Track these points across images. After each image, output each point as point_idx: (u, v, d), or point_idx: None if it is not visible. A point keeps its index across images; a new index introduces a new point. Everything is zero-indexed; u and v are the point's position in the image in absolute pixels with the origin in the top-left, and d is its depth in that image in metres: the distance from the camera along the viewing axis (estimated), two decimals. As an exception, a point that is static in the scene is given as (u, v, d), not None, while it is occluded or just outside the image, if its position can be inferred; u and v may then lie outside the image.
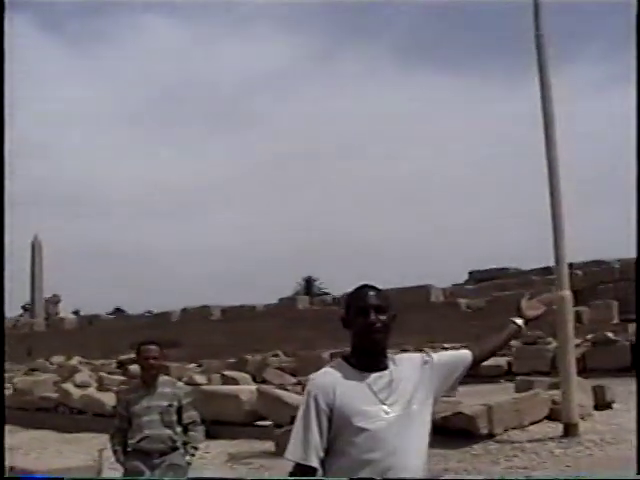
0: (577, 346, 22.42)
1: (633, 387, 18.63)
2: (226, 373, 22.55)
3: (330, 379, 3.49)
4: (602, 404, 15.56)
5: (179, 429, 7.15)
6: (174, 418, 7.12)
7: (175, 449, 7.09)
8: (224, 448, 14.25)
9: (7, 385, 27.11)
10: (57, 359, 39.75)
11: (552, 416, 13.83)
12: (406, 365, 3.59)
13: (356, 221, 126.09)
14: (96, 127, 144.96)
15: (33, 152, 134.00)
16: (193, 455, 7.26)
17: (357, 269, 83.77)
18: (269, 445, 13.52)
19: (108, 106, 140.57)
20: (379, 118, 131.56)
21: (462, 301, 37.67)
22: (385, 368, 3.53)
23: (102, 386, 23.71)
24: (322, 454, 3.40)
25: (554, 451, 11.77)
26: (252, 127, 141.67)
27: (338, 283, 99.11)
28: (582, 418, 13.46)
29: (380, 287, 3.70)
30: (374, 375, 3.50)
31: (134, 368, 26.63)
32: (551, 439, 12.60)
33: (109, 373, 27.74)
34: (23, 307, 75.54)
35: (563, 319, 12.74)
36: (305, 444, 3.39)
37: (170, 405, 7.10)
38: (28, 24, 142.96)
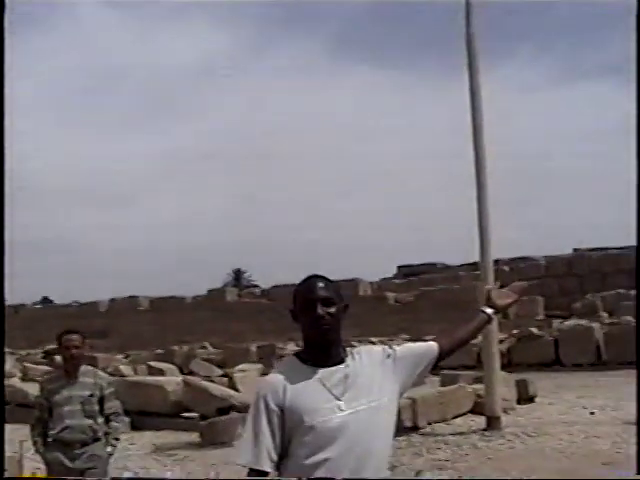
0: (502, 341, 22.79)
1: (556, 381, 19.08)
2: (152, 364, 22.41)
3: (279, 378, 3.33)
4: (525, 398, 15.83)
5: (101, 420, 7.08)
6: (96, 408, 7.05)
7: (97, 440, 7.02)
8: (149, 439, 14.16)
9: None
10: (-20, 348, 39.15)
11: (476, 410, 14.03)
12: (365, 359, 3.41)
13: (286, 213, 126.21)
14: (24, 114, 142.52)
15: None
16: (115, 446, 7.18)
17: (287, 262, 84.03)
18: (195, 436, 13.48)
19: (37, 93, 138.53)
20: (311, 113, 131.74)
21: (390, 295, 37.94)
22: (340, 362, 3.35)
23: (26, 376, 23.40)
24: (275, 457, 3.22)
25: (477, 444, 11.91)
26: (184, 118, 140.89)
27: (268, 275, 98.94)
28: (505, 412, 13.67)
29: (327, 276, 3.51)
30: (328, 370, 3.32)
31: (60, 358, 26.36)
32: (474, 432, 12.77)
33: (35, 363, 27.39)
34: (-54, 295, 74.30)
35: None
36: (256, 448, 3.22)
37: (92, 395, 7.03)
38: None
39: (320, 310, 3.31)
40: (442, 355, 3.61)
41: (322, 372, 3.30)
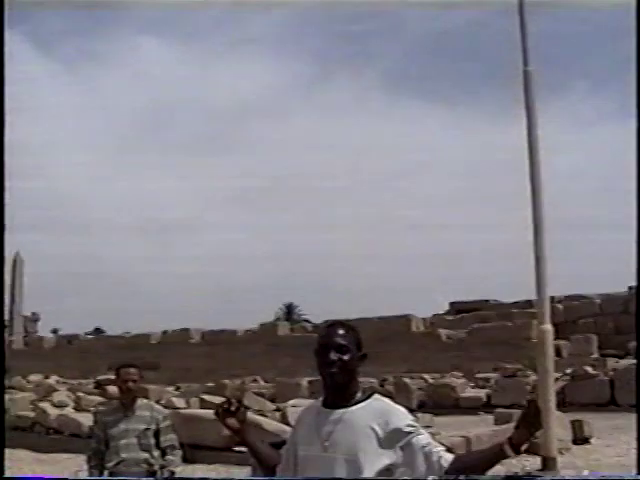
0: (556, 380, 22.46)
1: (611, 422, 18.76)
2: (205, 397, 22.40)
3: (300, 414, 3.78)
4: (581, 439, 15.59)
5: (156, 453, 7.10)
6: (152, 442, 7.07)
7: (152, 473, 7.03)
8: (202, 473, 14.15)
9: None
10: (34, 378, 39.40)
11: (530, 449, 13.78)
12: (377, 416, 3.49)
13: (339, 250, 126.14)
14: (85, 147, 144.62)
15: (18, 170, 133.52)
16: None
17: (338, 297, 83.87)
18: (247, 471, 13.42)
19: (97, 126, 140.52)
20: (367, 147, 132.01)
21: (442, 332, 37.66)
22: (345, 406, 3.57)
23: (80, 406, 23.52)
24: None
25: (532, 485, 11.72)
26: (240, 151, 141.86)
27: (319, 311, 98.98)
28: (561, 452, 13.44)
29: (353, 326, 3.75)
30: (332, 411, 3.58)
31: (112, 389, 26.45)
32: (529, 473, 12.56)
33: (87, 393, 27.51)
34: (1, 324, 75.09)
35: (543, 352, 12.69)
36: (282, 473, 3.66)
37: (148, 428, 7.05)
38: (21, 43, 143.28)
39: (333, 355, 3.57)
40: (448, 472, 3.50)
41: (327, 413, 3.59)
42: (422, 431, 3.53)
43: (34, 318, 79.12)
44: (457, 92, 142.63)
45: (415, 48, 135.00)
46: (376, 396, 3.65)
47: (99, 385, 30.10)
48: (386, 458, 3.44)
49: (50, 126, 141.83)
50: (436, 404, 24.51)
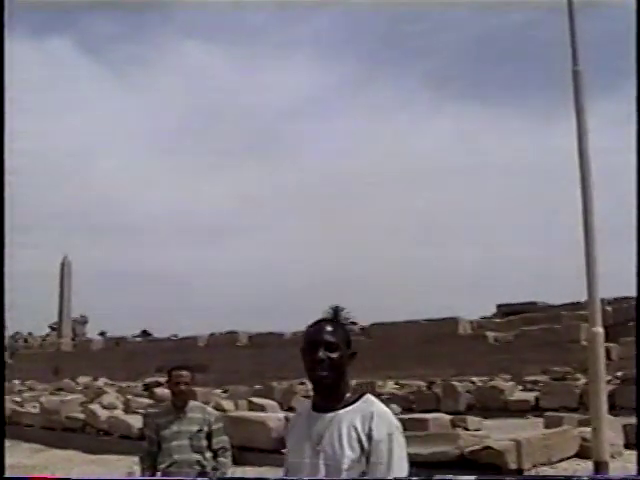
0: (607, 383, 22.25)
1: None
2: (253, 400, 22.46)
3: (292, 420, 3.73)
4: (633, 443, 15.38)
5: (208, 454, 7.13)
6: (204, 443, 7.10)
7: (204, 474, 7.06)
8: (251, 474, 14.17)
9: (34, 404, 27.23)
10: (83, 380, 39.85)
11: (582, 454, 13.68)
12: (362, 421, 3.40)
13: (385, 251, 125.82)
14: (131, 151, 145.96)
15: (67, 175, 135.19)
16: (222, 481, 7.22)
17: (385, 300, 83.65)
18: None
19: (144, 130, 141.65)
20: (411, 149, 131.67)
21: (490, 334, 37.44)
22: (334, 409, 3.45)
23: (129, 408, 23.69)
24: None
25: (583, 489, 11.61)
26: (285, 154, 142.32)
27: (366, 313, 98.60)
28: (612, 457, 13.30)
29: (342, 323, 3.71)
30: (322, 415, 3.47)
31: (160, 391, 26.63)
32: (580, 477, 12.44)
33: (135, 395, 27.72)
34: (51, 327, 75.89)
35: (594, 355, 12.58)
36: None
37: (200, 430, 7.09)
38: (71, 47, 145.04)
39: (321, 354, 3.41)
40: None
41: (315, 416, 3.49)
42: (397, 442, 3.41)
43: (82, 320, 79.96)
44: (504, 93, 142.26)
45: (461, 49, 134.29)
46: (365, 398, 3.52)
47: (147, 387, 30.32)
48: (365, 465, 3.36)
49: (97, 130, 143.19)
50: (484, 407, 24.34)
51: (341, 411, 3.42)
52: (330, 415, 3.43)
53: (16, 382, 42.87)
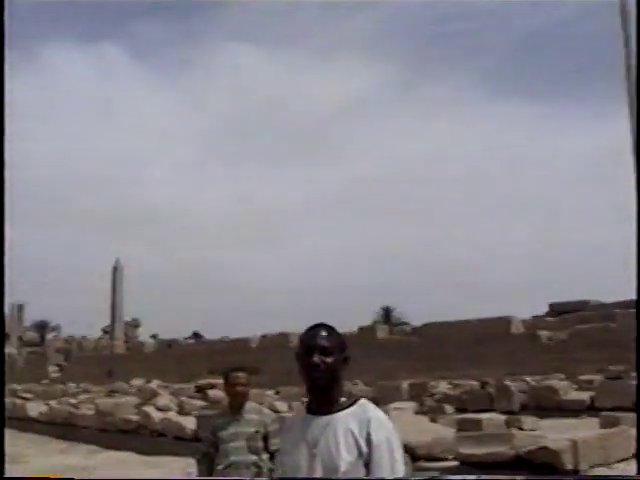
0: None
1: None
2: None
3: (287, 423, 3.86)
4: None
5: (265, 456, 7.14)
6: (260, 445, 7.12)
7: (261, 476, 7.08)
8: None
9: (89, 406, 27.49)
10: (136, 382, 40.13)
11: (640, 454, 13.50)
12: (359, 425, 3.49)
13: (436, 251, 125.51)
14: (181, 153, 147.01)
15: (119, 177, 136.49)
16: (278, 482, 7.22)
17: (436, 299, 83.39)
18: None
19: (193, 132, 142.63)
20: (465, 147, 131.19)
21: (543, 333, 37.10)
22: (329, 413, 3.54)
23: (183, 410, 23.84)
24: None
25: (644, 491, 11.47)
26: (334, 154, 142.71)
27: (417, 313, 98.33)
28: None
29: (334, 327, 3.72)
30: (318, 418, 3.56)
31: (214, 393, 26.76)
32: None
33: (188, 397, 27.87)
34: (103, 330, 76.62)
35: (651, 354, 12.45)
36: None
37: (257, 432, 7.11)
38: (120, 53, 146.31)
39: (316, 358, 3.53)
40: None
41: (310, 419, 3.58)
42: (396, 446, 3.49)
43: (134, 324, 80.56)
44: (556, 89, 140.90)
45: (512, 45, 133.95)
46: (361, 402, 3.61)
47: (200, 389, 30.44)
48: (362, 468, 3.44)
49: (147, 133, 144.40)
50: (538, 406, 24.13)
51: (336, 415, 3.53)
52: (326, 418, 3.54)
53: (71, 385, 43.37)
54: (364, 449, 3.42)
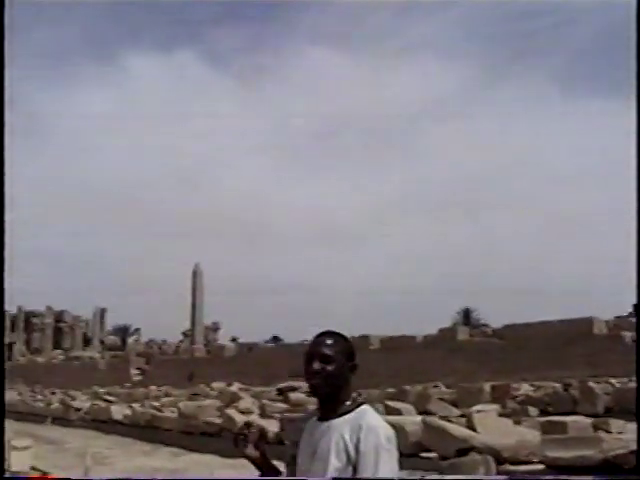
0: None
1: None
2: (389, 403, 22.46)
3: (305, 426, 3.84)
4: None
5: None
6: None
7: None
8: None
9: (172, 409, 27.80)
10: (217, 385, 40.44)
11: None
12: (352, 431, 3.49)
13: (516, 252, 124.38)
14: (259, 158, 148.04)
15: (197, 182, 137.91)
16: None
17: (517, 301, 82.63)
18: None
19: (271, 138, 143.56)
20: (544, 148, 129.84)
21: (627, 334, 36.52)
22: (330, 419, 3.60)
23: (265, 413, 23.97)
24: None
25: None
26: (414, 155, 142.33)
27: (497, 315, 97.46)
28: None
29: (344, 335, 3.77)
30: (321, 423, 3.65)
31: (295, 396, 26.87)
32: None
33: (269, 400, 28.02)
34: (184, 333, 77.47)
35: None
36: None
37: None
38: (196, 60, 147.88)
39: (316, 365, 3.59)
40: None
41: (315, 424, 3.69)
42: (384, 455, 3.44)
43: (214, 327, 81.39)
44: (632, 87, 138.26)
45: (590, 42, 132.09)
46: (362, 408, 3.62)
47: (281, 392, 30.60)
48: (350, 474, 3.45)
49: (225, 139, 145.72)
50: (623, 409, 23.71)
51: (335, 421, 3.58)
52: (326, 424, 3.61)
53: (153, 388, 43.89)
54: (352, 455, 3.45)
